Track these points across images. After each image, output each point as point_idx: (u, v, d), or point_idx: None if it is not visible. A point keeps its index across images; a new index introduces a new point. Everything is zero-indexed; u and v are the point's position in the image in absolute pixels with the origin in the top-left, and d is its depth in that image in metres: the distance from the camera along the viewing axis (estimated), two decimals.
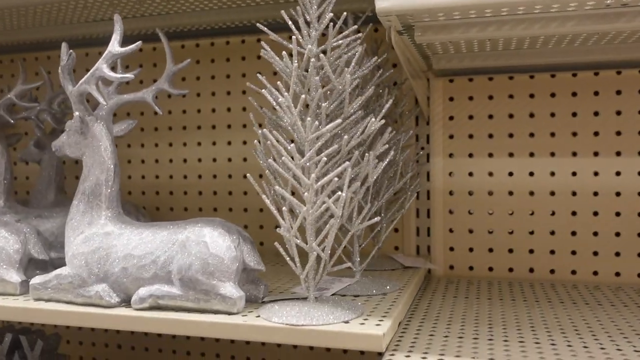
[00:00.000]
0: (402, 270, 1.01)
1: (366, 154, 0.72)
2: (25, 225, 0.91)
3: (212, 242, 0.73)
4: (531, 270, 1.07)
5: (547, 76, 1.06)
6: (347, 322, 0.68)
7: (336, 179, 0.65)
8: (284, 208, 0.68)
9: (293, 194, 1.00)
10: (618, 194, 1.03)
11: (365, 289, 0.83)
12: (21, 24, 1.16)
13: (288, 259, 0.71)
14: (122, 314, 0.74)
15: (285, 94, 0.69)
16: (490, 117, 1.08)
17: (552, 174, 1.06)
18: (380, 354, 0.68)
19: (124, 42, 0.80)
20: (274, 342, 0.69)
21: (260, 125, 0.83)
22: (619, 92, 1.02)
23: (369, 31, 0.96)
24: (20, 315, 0.80)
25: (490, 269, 1.09)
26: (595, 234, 1.04)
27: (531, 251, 1.07)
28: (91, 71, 0.78)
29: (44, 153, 1.16)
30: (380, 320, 0.69)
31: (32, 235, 0.90)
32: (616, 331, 0.75)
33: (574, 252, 1.05)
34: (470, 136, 1.09)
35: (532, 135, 1.06)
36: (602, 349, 0.69)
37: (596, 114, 1.04)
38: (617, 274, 1.03)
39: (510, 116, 1.08)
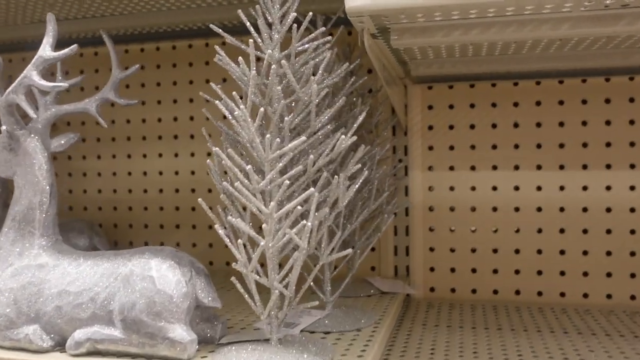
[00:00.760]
0: (378, 296, 0.92)
1: (336, 176, 0.63)
2: None
3: (159, 277, 0.63)
4: (517, 292, 0.99)
5: (533, 83, 0.98)
6: None
7: (299, 207, 0.55)
8: (239, 240, 0.58)
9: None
10: (609, 209, 0.96)
11: (337, 324, 0.74)
12: None
13: (246, 296, 0.62)
14: None
15: (242, 106, 0.60)
16: (472, 127, 1.01)
17: (539, 188, 0.98)
18: None
19: (62, 45, 0.69)
20: None
21: (210, 136, 0.73)
22: (607, 101, 0.96)
23: (341, 34, 0.87)
24: None
25: (474, 291, 1.01)
26: (585, 252, 0.97)
27: (517, 272, 0.99)
28: (19, 79, 0.68)
29: None
30: None
31: None
32: None
33: (562, 273, 0.97)
34: (451, 147, 1.01)
35: (516, 146, 0.99)
36: None
37: (584, 123, 0.97)
38: (609, 296, 0.96)
39: (494, 126, 1.00)
